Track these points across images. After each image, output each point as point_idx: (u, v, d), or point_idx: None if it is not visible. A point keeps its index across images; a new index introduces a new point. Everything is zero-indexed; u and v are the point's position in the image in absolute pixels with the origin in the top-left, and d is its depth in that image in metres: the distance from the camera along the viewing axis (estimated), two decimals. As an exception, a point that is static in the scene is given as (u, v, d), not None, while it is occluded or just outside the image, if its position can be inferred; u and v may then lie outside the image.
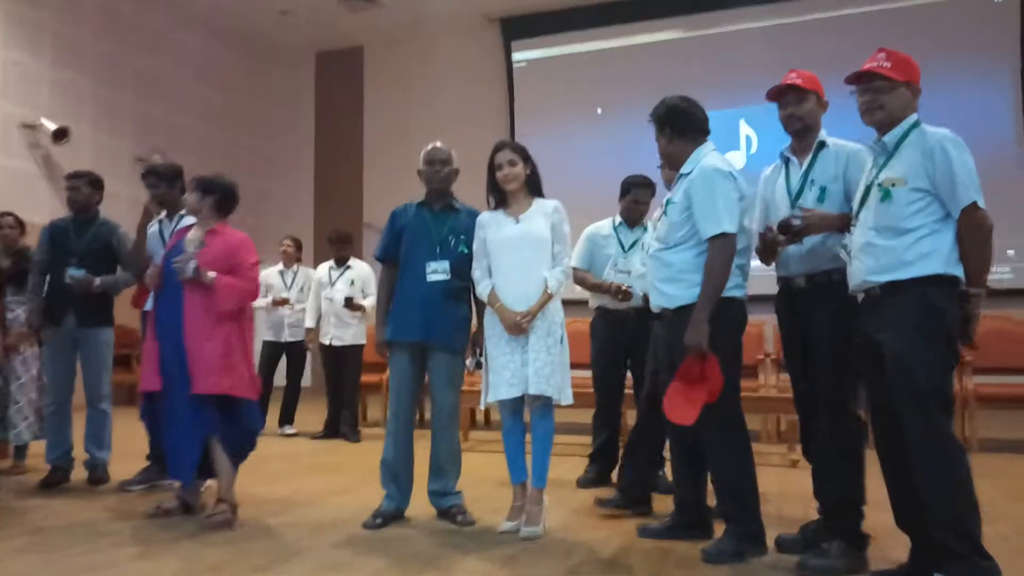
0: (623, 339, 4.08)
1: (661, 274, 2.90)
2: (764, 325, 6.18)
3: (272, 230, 11.12)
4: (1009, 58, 8.42)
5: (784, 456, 4.97)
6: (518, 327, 3.08)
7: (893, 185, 2.39)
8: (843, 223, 2.66)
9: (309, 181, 11.78)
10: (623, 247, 4.17)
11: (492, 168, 3.25)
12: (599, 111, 9.97)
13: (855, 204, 2.56)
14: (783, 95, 2.88)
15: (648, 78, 9.70)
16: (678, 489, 3.08)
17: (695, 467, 3.00)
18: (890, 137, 2.47)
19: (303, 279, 6.71)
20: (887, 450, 2.45)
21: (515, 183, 3.21)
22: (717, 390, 2.66)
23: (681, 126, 2.96)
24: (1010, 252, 8.38)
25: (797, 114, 2.85)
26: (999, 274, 8.26)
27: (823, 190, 2.78)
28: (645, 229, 4.10)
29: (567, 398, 3.15)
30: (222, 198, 3.55)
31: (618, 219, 4.26)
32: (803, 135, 2.87)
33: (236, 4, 10.23)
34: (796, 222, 2.68)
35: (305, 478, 4.49)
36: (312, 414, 6.91)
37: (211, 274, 3.34)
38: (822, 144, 2.85)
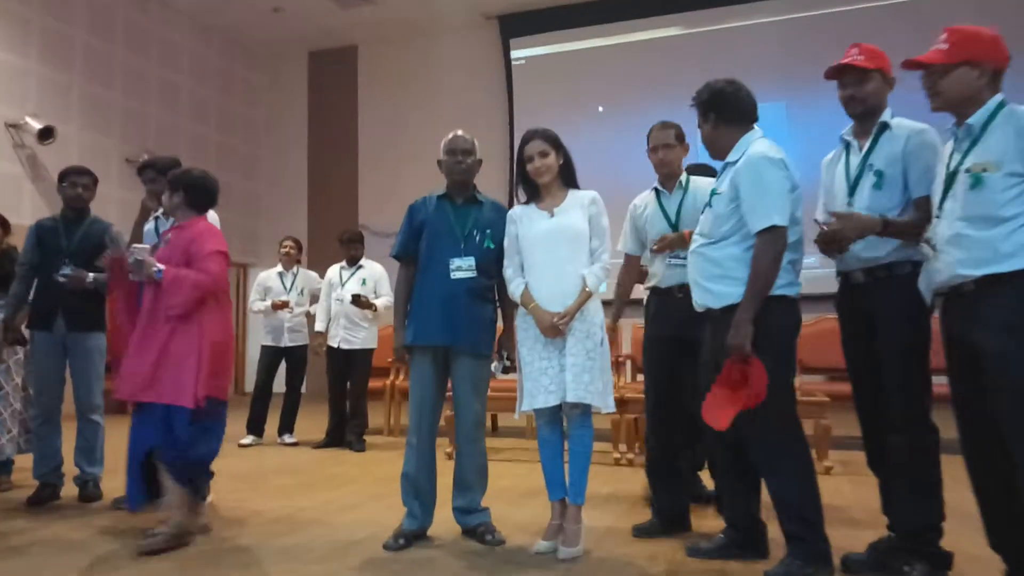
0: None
1: (706, 271, 2.67)
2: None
3: (265, 232, 10.89)
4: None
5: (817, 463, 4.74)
6: (555, 329, 2.83)
7: (984, 171, 2.16)
8: (888, 229, 2.42)
9: (302, 183, 11.48)
10: (669, 220, 3.30)
11: (521, 160, 3.01)
12: (600, 109, 9.76)
13: (935, 194, 2.33)
14: (842, 75, 2.64)
15: (650, 76, 9.52)
16: (729, 505, 2.83)
17: (746, 479, 2.75)
18: (976, 119, 2.23)
19: (303, 281, 6.43)
20: (982, 464, 2.21)
21: (548, 175, 2.97)
22: (759, 396, 2.43)
23: (727, 112, 2.73)
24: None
25: (859, 96, 2.60)
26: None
27: (880, 175, 2.54)
28: (686, 190, 3.30)
29: (608, 406, 2.89)
30: (191, 193, 3.27)
31: (656, 184, 3.43)
32: (866, 118, 2.63)
33: (227, 2, 9.94)
34: (825, 228, 2.49)
35: (310, 493, 4.21)
36: (310, 421, 6.63)
37: (156, 267, 3.05)
38: (884, 126, 2.60)
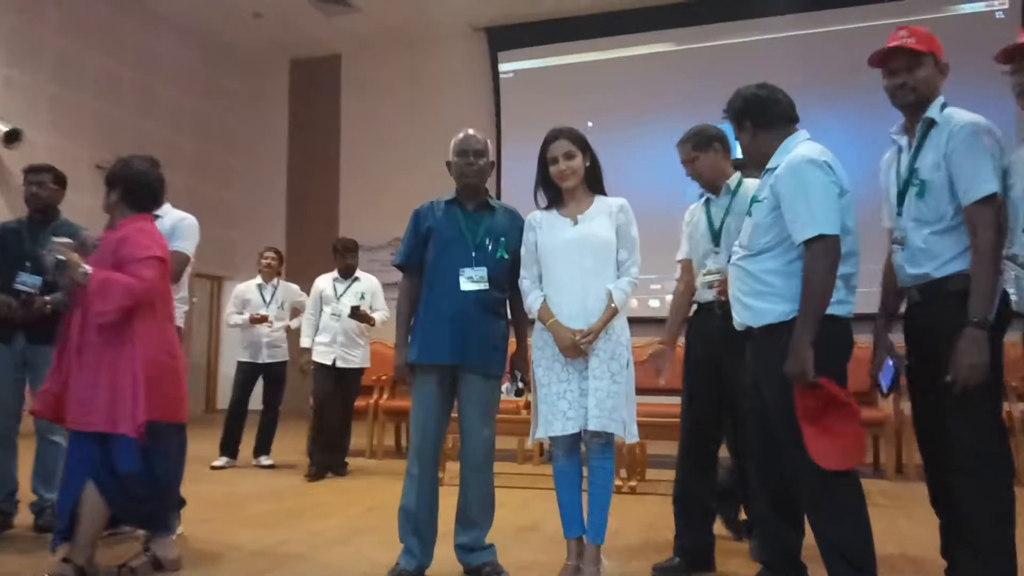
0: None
1: (744, 286, 2.41)
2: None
3: (241, 244, 10.49)
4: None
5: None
6: (576, 349, 2.56)
7: None
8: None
9: (281, 194, 11.13)
10: (712, 231, 3.02)
11: (543, 162, 2.75)
12: (590, 124, 9.50)
13: (1013, 208, 2.09)
14: (889, 60, 2.35)
15: (641, 92, 9.38)
16: (766, 544, 2.56)
17: (791, 519, 2.46)
18: None
19: (284, 294, 6.10)
20: None
21: (574, 179, 2.71)
22: (855, 408, 2.19)
23: (764, 116, 2.48)
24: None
25: (910, 83, 2.31)
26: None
27: (923, 185, 2.27)
28: (734, 193, 3.01)
29: (632, 435, 2.62)
30: (129, 190, 2.92)
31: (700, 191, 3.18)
32: (917, 109, 2.33)
33: (206, 6, 9.62)
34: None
35: (292, 524, 3.87)
36: (286, 442, 6.28)
37: (83, 268, 2.69)
38: (930, 123, 2.29)
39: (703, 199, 3.14)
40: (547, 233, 2.72)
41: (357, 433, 6.57)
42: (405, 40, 10.44)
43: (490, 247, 2.82)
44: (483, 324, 2.80)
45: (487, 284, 2.79)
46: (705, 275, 3.00)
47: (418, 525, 2.82)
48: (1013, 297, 2.25)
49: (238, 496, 4.57)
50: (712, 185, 3.08)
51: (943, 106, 2.32)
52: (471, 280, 2.76)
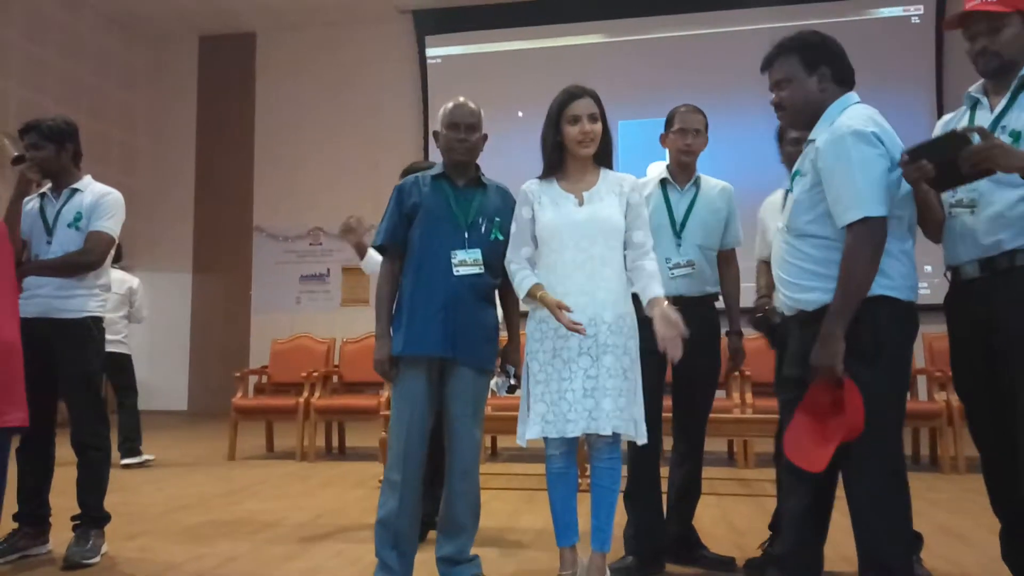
0: None
1: (789, 267, 2.16)
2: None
3: (144, 233, 9.70)
4: (925, 79, 8.56)
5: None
6: (571, 323, 2.26)
7: None
8: None
9: (189, 179, 10.37)
10: (673, 220, 2.88)
11: (558, 120, 2.44)
12: (520, 114, 9.37)
13: None
14: (967, 23, 2.13)
15: (570, 83, 9.21)
16: (795, 555, 2.24)
17: (821, 525, 2.20)
18: None
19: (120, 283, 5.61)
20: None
21: (593, 146, 2.43)
22: (856, 427, 1.96)
23: (844, 69, 2.18)
24: (927, 268, 8.45)
25: (992, 48, 2.10)
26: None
27: (1017, 137, 2.05)
28: (698, 188, 2.92)
29: (643, 435, 2.40)
30: None
31: (664, 172, 2.97)
32: (1003, 73, 2.12)
33: (107, -29, 8.83)
34: (973, 137, 1.92)
35: (233, 537, 3.45)
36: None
37: None
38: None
39: (661, 182, 2.96)
40: (550, 210, 2.43)
41: (286, 434, 6.12)
42: (326, 19, 9.92)
43: (483, 227, 2.53)
44: (477, 312, 2.51)
45: (482, 268, 2.50)
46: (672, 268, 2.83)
47: (399, 538, 2.50)
48: None
49: (163, 506, 4.09)
50: (687, 170, 2.96)
51: None
52: (464, 264, 2.47)
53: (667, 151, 2.98)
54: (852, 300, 1.99)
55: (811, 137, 2.17)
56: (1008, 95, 2.11)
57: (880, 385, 1.99)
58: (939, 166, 1.97)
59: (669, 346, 2.27)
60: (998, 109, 2.12)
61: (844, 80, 2.18)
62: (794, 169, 2.23)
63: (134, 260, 9.76)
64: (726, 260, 3.01)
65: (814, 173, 2.11)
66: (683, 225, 2.88)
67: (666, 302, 2.34)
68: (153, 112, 10.45)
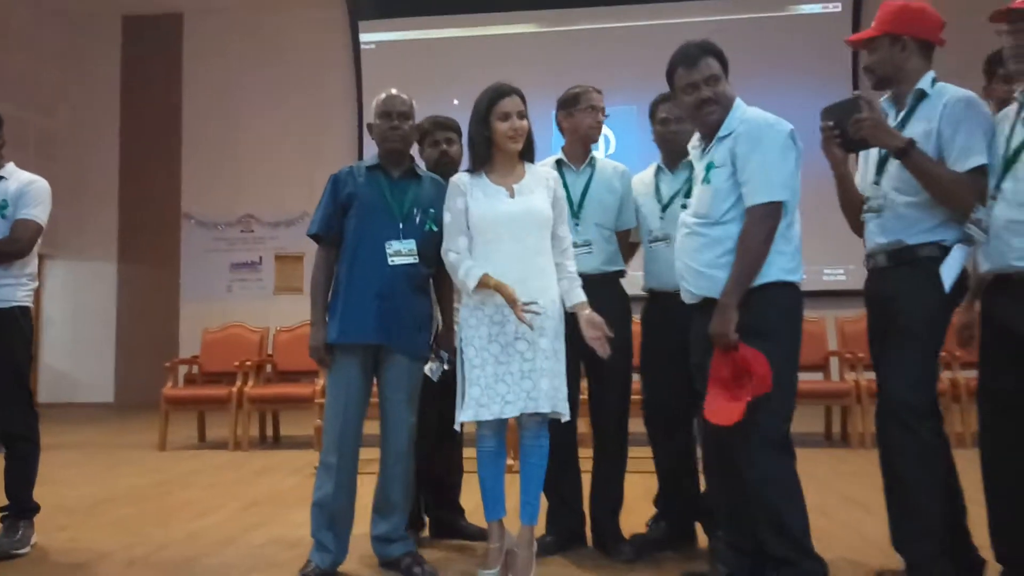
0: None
1: (703, 257, 2.33)
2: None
3: (65, 220, 9.35)
4: (842, 71, 8.96)
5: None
6: (525, 314, 2.36)
7: None
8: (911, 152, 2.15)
9: (113, 164, 10.04)
10: (571, 200, 2.91)
11: (487, 116, 2.51)
12: (456, 102, 9.39)
13: (993, 174, 2.14)
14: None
15: (506, 72, 9.18)
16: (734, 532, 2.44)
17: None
18: None
19: None
20: (1004, 466, 2.09)
21: (522, 141, 2.54)
22: (764, 382, 2.15)
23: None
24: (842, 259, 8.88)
25: (867, 65, 2.37)
26: (833, 275, 8.71)
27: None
28: (592, 166, 3.00)
29: (567, 413, 2.53)
30: None
31: (561, 154, 3.04)
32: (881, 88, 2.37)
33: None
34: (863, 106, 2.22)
35: (165, 527, 3.44)
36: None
37: None
38: None
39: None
40: (482, 203, 2.52)
41: (219, 425, 6.08)
42: (257, 1, 9.73)
43: (418, 218, 2.62)
44: (411, 301, 2.60)
45: (416, 258, 2.59)
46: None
47: (334, 519, 2.59)
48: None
49: (92, 498, 4.05)
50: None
51: None
52: (399, 254, 2.55)
53: (568, 131, 3.00)
54: (748, 274, 2.22)
55: (724, 132, 2.34)
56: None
57: (777, 357, 2.20)
58: (844, 130, 2.27)
59: (596, 346, 2.46)
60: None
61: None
62: (707, 161, 2.38)
63: (56, 249, 9.47)
64: (625, 240, 3.04)
65: (731, 163, 2.28)
66: (580, 205, 2.92)
67: (588, 309, 2.50)
68: (72, 93, 10.05)
